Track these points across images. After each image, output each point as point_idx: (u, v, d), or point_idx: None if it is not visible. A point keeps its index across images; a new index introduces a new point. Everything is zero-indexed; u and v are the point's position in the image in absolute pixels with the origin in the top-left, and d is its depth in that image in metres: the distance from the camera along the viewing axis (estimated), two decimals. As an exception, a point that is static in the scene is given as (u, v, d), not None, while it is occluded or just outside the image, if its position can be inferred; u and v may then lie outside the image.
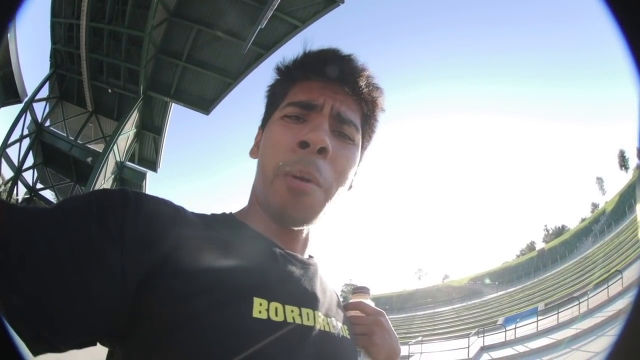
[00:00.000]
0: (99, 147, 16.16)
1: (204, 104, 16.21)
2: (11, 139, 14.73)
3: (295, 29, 13.04)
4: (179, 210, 0.62)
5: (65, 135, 16.81)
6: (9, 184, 15.40)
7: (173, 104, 16.84)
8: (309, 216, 0.67)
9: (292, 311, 0.60)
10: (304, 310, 0.63)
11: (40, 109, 16.24)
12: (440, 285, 63.12)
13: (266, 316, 0.56)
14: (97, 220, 0.51)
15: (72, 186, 17.31)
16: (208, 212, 0.70)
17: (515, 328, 14.44)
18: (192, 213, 0.65)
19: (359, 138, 0.74)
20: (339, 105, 0.69)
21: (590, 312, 12.68)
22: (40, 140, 16.21)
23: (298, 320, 0.60)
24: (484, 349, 13.68)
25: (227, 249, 0.60)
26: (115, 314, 0.50)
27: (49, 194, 18.02)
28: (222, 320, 0.52)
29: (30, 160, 16.31)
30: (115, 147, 15.21)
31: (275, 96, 0.75)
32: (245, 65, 14.43)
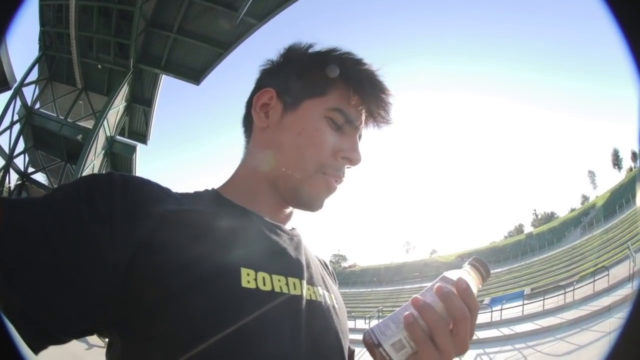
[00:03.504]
0: (89, 124, 16.23)
1: (195, 74, 16.24)
2: (1, 128, 14.83)
3: (288, 0, 12.98)
4: (164, 190, 0.63)
5: (55, 115, 16.69)
6: (1, 173, 15.48)
7: (163, 75, 16.78)
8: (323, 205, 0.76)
9: (279, 280, 0.62)
10: (291, 280, 0.64)
11: (29, 92, 16.19)
12: (428, 260, 62.96)
13: (255, 286, 0.57)
14: (86, 204, 0.52)
15: (63, 166, 17.36)
16: (191, 191, 0.72)
17: (501, 309, 14.50)
18: (177, 193, 0.66)
19: None
20: (363, 129, 0.78)
21: (576, 304, 12.72)
22: (31, 124, 16.11)
23: (285, 290, 0.62)
24: None
25: (212, 223, 0.62)
26: (109, 295, 0.50)
27: (40, 177, 18.12)
28: (213, 292, 0.53)
29: (21, 145, 16.39)
30: (105, 122, 15.29)
31: (314, 81, 0.74)
32: (236, 35, 14.41)
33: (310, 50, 0.77)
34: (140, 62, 16.01)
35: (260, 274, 0.59)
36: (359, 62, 0.75)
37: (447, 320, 0.57)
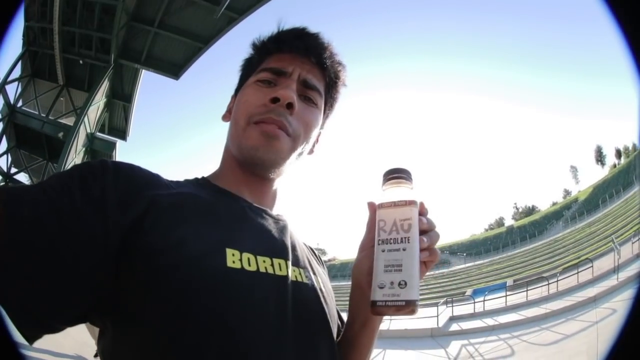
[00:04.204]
0: (70, 121, 16.22)
1: (174, 69, 16.48)
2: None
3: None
4: (154, 175, 0.65)
5: (37, 113, 16.58)
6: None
7: (143, 70, 16.93)
8: (278, 160, 0.72)
9: (264, 261, 0.62)
10: (276, 261, 0.65)
11: (12, 90, 16.09)
12: None
13: (240, 266, 0.58)
14: (79, 188, 0.53)
15: (44, 165, 17.40)
16: (181, 179, 0.73)
17: (484, 301, 14.55)
18: (166, 179, 0.67)
19: (321, 104, 0.80)
20: (305, 73, 0.76)
21: (560, 294, 12.86)
22: (13, 123, 15.90)
23: (270, 270, 0.62)
24: (453, 319, 13.74)
25: (199, 206, 0.63)
26: (102, 279, 0.51)
27: (23, 177, 18.02)
28: (198, 271, 0.54)
29: (4, 145, 16.42)
30: (85, 119, 15.38)
31: (250, 67, 0.81)
32: (217, 29, 14.56)
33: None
34: (121, 57, 16.07)
35: (245, 255, 0.60)
36: (278, 31, 0.79)
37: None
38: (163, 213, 0.58)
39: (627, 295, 9.25)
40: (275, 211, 0.80)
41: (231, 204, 0.69)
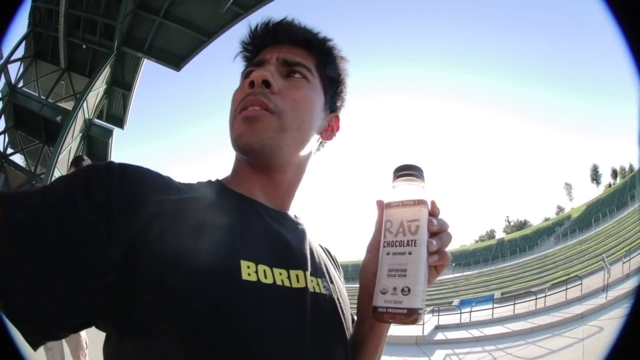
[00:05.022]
0: (68, 105, 16.05)
1: (176, 60, 16.35)
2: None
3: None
4: (164, 178, 0.61)
5: (37, 95, 16.46)
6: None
7: (145, 60, 16.84)
8: (265, 141, 0.66)
9: (280, 274, 0.60)
10: (293, 273, 0.62)
11: (14, 70, 16.00)
12: None
13: (255, 279, 0.56)
14: (84, 193, 0.50)
15: (40, 148, 17.13)
16: (194, 182, 0.70)
17: (470, 311, 14.50)
18: (179, 182, 0.64)
19: (314, 79, 0.75)
20: (284, 54, 0.73)
21: (547, 310, 12.91)
22: (13, 103, 15.81)
23: (287, 283, 0.60)
24: (439, 328, 13.71)
25: (213, 213, 0.60)
26: (106, 287, 0.48)
27: (18, 159, 17.78)
28: (211, 285, 0.52)
29: (2, 125, 16.29)
30: (84, 104, 15.24)
31: (241, 75, 0.78)
32: (221, 23, 14.53)
33: None
34: (125, 44, 15.88)
35: (261, 267, 0.58)
36: (250, 31, 0.78)
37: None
38: (172, 220, 0.54)
39: (616, 314, 9.29)
40: (292, 210, 0.77)
41: (246, 209, 0.66)
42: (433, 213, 0.62)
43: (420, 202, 0.60)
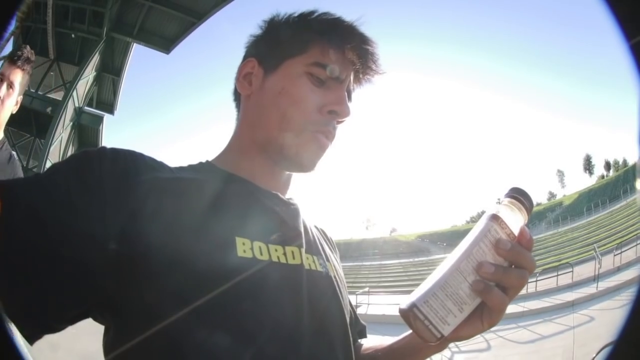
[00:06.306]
0: (59, 96, 16.04)
1: (166, 43, 16.36)
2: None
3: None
4: (156, 161, 0.61)
5: (27, 89, 16.07)
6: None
7: (134, 44, 16.81)
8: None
9: (276, 250, 0.60)
10: (288, 249, 0.63)
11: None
12: (388, 238, 64.12)
13: (251, 255, 0.56)
14: (76, 178, 0.51)
15: (32, 141, 17.06)
16: (185, 164, 0.70)
17: None
18: (170, 165, 0.64)
19: None
20: (353, 83, 0.74)
21: (538, 295, 13.06)
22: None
23: (283, 260, 0.60)
24: None
25: (206, 192, 0.60)
26: (102, 272, 0.48)
27: None
28: (207, 262, 0.52)
29: None
30: (74, 93, 15.25)
31: (291, 42, 0.72)
32: (211, 5, 14.45)
33: (289, 17, 0.74)
34: (114, 30, 15.80)
35: (257, 243, 0.58)
36: (336, 18, 0.72)
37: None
38: (166, 199, 0.54)
39: (607, 305, 9.53)
40: (286, 195, 0.76)
41: (240, 188, 0.66)
42: (520, 243, 0.56)
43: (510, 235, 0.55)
